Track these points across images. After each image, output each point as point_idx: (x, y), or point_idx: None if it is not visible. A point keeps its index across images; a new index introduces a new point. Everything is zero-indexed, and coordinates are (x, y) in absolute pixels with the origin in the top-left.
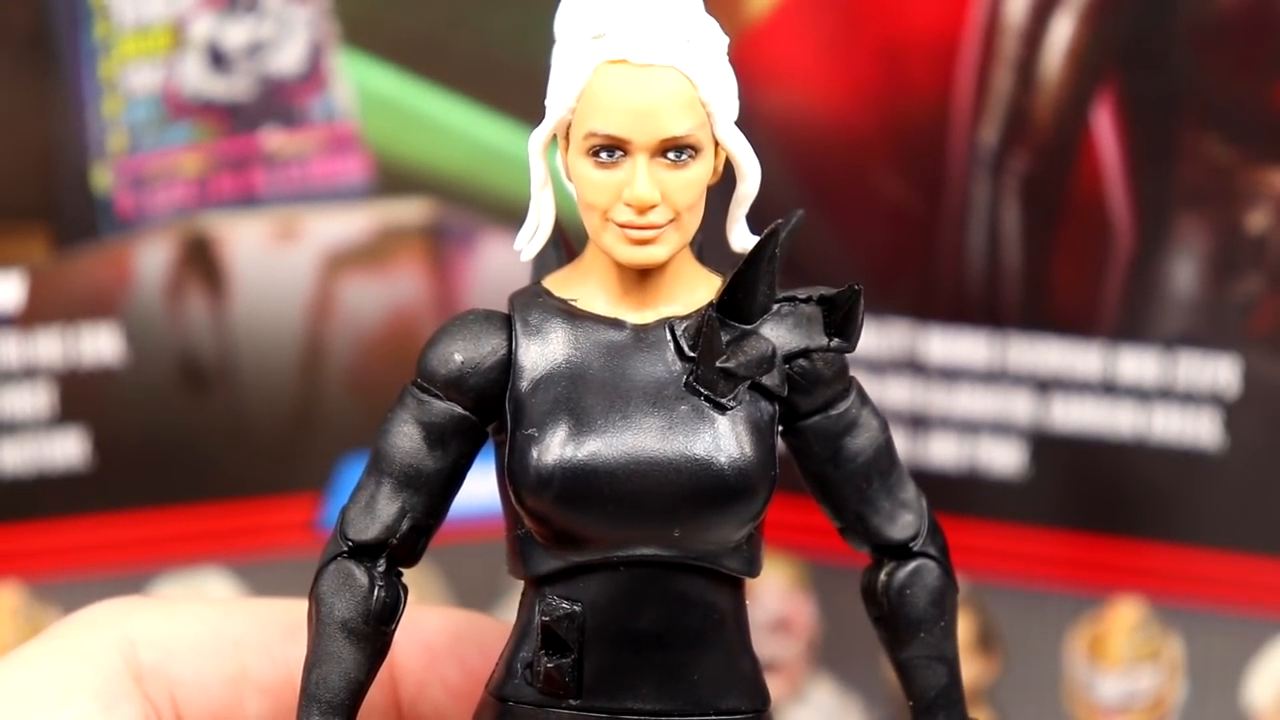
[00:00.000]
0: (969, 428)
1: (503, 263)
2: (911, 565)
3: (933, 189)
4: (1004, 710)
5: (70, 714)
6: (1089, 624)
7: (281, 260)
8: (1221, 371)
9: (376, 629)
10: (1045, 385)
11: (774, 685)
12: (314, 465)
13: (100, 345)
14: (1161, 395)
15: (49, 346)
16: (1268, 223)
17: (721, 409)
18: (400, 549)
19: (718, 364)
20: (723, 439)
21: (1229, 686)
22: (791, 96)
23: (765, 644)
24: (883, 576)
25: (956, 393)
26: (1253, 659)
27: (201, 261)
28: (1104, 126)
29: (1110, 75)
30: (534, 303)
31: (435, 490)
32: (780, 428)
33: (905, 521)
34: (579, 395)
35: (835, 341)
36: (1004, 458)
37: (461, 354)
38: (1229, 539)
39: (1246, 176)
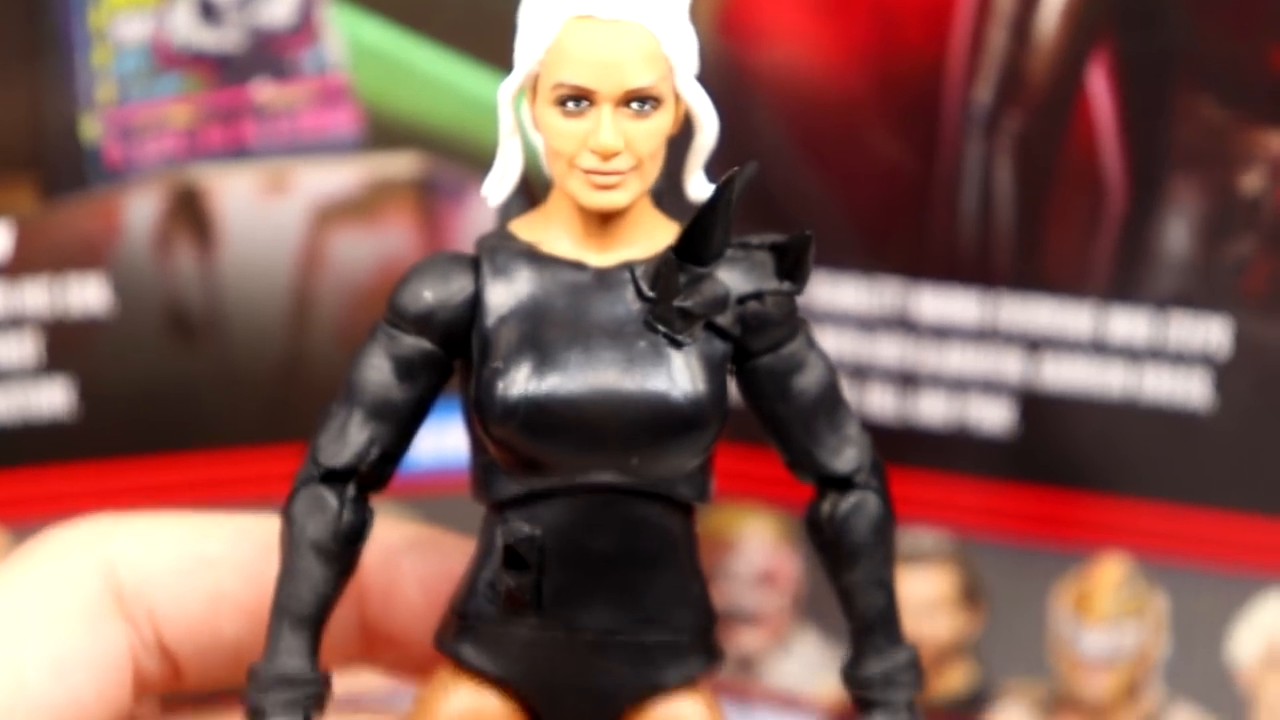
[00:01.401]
0: (959, 386)
1: (492, 216)
2: (854, 497)
3: (926, 147)
4: (989, 665)
5: (59, 637)
6: (1075, 580)
7: (271, 213)
8: (1213, 332)
9: (344, 548)
10: (1036, 344)
11: (758, 637)
12: (302, 416)
13: (88, 295)
14: (1152, 355)
15: (36, 296)
16: (1262, 184)
17: (677, 346)
18: (369, 475)
19: (675, 304)
20: (678, 374)
21: (1213, 643)
22: (785, 54)
23: (750, 597)
24: (826, 507)
25: (947, 351)
26: (1237, 616)
27: (190, 213)
28: (1099, 86)
29: (1106, 35)
30: (500, 245)
31: (403, 420)
32: (732, 366)
33: (848, 456)
34: (542, 332)
35: (786, 285)
36: (994, 416)
37: (431, 292)
38: (1217, 498)
39: (1241, 138)
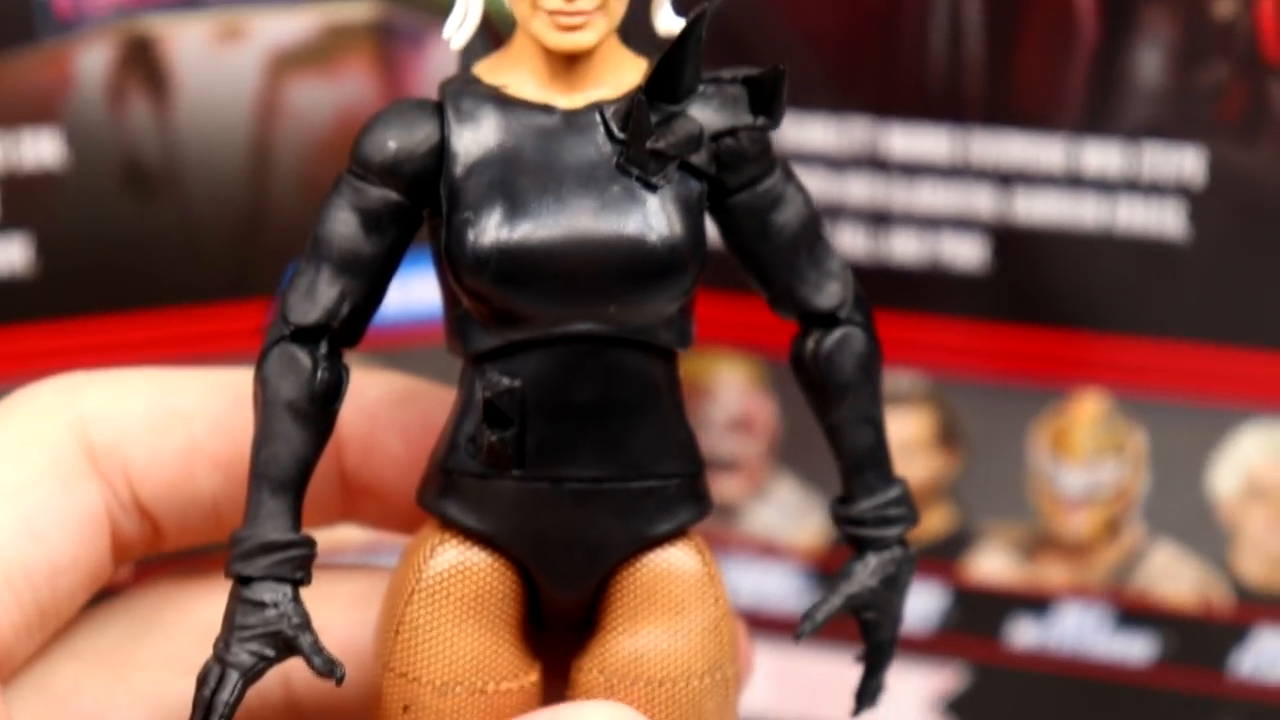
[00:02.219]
0: (931, 223)
1: (452, 62)
2: (839, 333)
3: None
4: (968, 505)
5: (31, 497)
6: (1052, 418)
7: (226, 61)
8: (1187, 161)
9: (321, 408)
10: (1008, 179)
11: (735, 484)
12: (265, 271)
13: (41, 149)
14: (1126, 187)
15: None
16: (1235, 9)
17: (652, 188)
18: (341, 331)
19: (647, 144)
20: (654, 217)
21: (1192, 477)
22: None
23: (725, 443)
24: (810, 344)
25: (918, 188)
26: (1216, 449)
27: (143, 63)
28: None
29: None
30: (465, 90)
31: (373, 274)
32: (709, 205)
33: (831, 291)
34: (512, 178)
35: (761, 120)
36: (966, 253)
37: (395, 141)
38: (1193, 330)
39: None
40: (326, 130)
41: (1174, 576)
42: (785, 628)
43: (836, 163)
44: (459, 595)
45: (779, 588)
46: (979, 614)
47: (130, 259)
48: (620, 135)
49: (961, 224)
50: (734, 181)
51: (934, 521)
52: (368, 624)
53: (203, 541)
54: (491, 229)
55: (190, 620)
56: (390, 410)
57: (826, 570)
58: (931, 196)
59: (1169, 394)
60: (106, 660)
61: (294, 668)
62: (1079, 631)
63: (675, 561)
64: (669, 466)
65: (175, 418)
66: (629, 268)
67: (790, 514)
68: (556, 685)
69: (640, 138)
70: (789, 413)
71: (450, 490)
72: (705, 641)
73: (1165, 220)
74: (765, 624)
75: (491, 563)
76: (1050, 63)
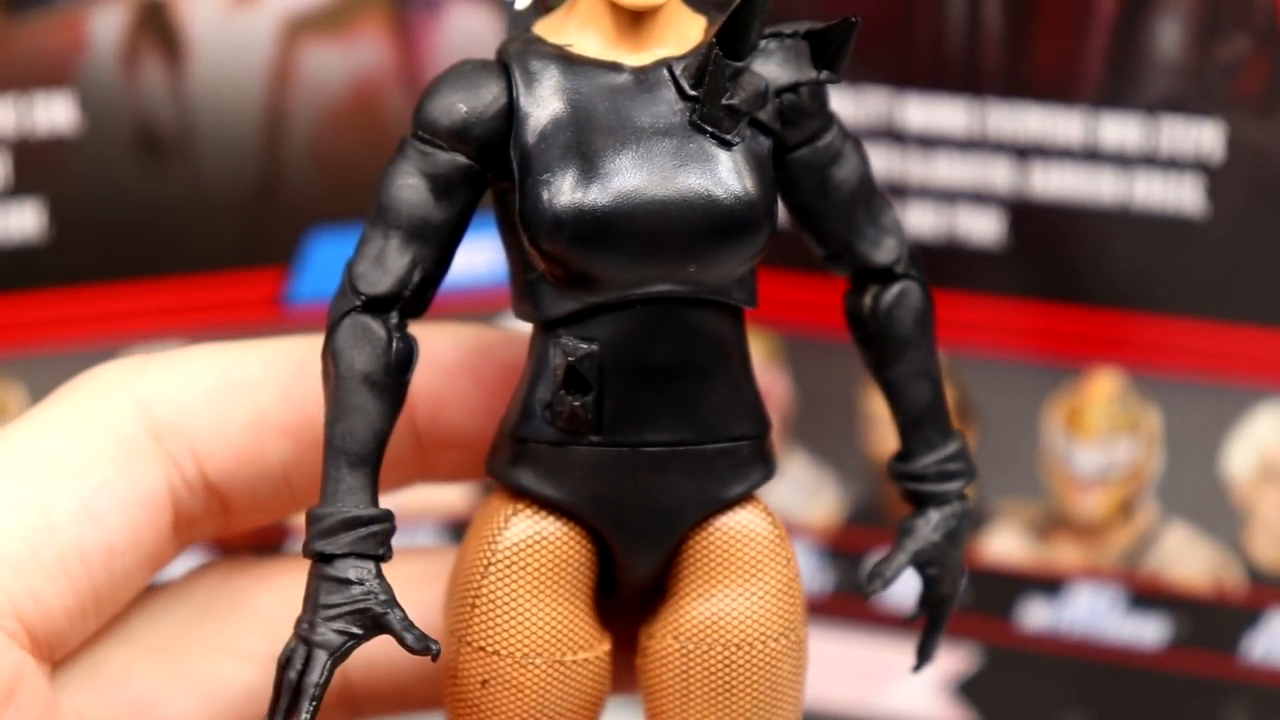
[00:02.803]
0: (947, 197)
1: (470, 28)
2: (897, 287)
3: None
4: (981, 484)
5: (90, 478)
6: (1067, 395)
7: (239, 26)
8: (1205, 136)
9: (396, 379)
10: (1025, 153)
11: None
12: (279, 239)
13: (54, 113)
14: (1144, 161)
15: (1, 114)
16: None
17: (727, 145)
18: (411, 301)
19: (723, 101)
20: (730, 175)
21: (1206, 456)
22: None
23: None
24: (868, 300)
25: (934, 161)
26: (1230, 428)
27: (157, 27)
28: None
29: None
30: (529, 50)
31: (443, 241)
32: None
33: (889, 246)
34: (587, 139)
35: (825, 74)
36: (983, 227)
37: (465, 104)
38: (1210, 308)
39: None
40: (340, 96)
41: (1187, 558)
42: None
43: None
44: (536, 566)
45: None
46: (991, 595)
47: (142, 225)
48: (692, 92)
49: (978, 198)
50: (795, 138)
51: None
52: (426, 604)
53: (275, 513)
54: (567, 190)
55: (246, 606)
56: (460, 359)
57: (839, 548)
58: (948, 170)
59: (1184, 373)
60: (160, 646)
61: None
62: (1091, 613)
63: (747, 524)
64: (740, 428)
65: (239, 389)
66: (708, 226)
67: (803, 491)
68: (622, 655)
69: (716, 94)
70: (803, 388)
71: (523, 459)
72: (780, 603)
73: (1183, 196)
74: None
75: (567, 531)
76: (1068, 35)
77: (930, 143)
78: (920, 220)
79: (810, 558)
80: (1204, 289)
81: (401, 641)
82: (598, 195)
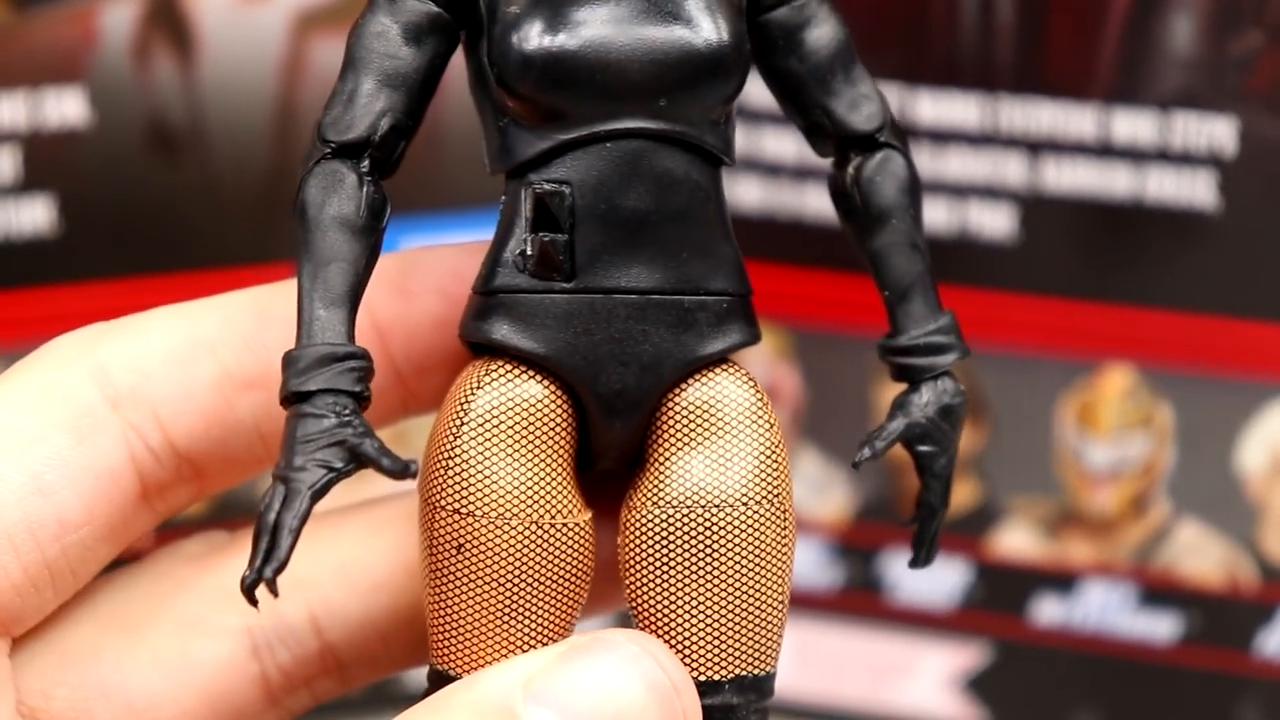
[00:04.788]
0: (959, 192)
1: None
2: (878, 155)
3: None
4: (993, 480)
5: (41, 451)
6: (1079, 391)
7: (251, 20)
8: (1219, 131)
9: (370, 223)
10: (1038, 148)
11: None
12: (291, 235)
13: (65, 108)
14: (1157, 156)
15: (12, 109)
16: None
17: None
18: (380, 149)
19: None
20: (701, 15)
21: (1219, 453)
22: None
23: None
24: (850, 170)
25: (947, 156)
26: (1243, 424)
27: (168, 21)
28: None
29: None
30: None
31: (413, 89)
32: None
33: (869, 112)
34: None
35: None
36: (995, 222)
37: None
38: (1223, 304)
39: None
40: None
41: (1199, 554)
42: (807, 603)
43: None
44: (511, 426)
45: (801, 561)
46: (1002, 591)
47: (154, 220)
48: None
49: (990, 193)
50: None
51: (959, 496)
52: (398, 546)
53: (250, 473)
54: (535, 35)
55: (217, 583)
56: (419, 279)
57: (850, 544)
58: (960, 165)
59: (1197, 368)
60: (129, 623)
61: (323, 614)
62: (1103, 609)
63: (726, 387)
64: (720, 283)
65: (200, 350)
66: (679, 61)
67: (813, 487)
68: (603, 533)
69: None
70: (813, 384)
71: (495, 311)
72: (761, 466)
73: (1196, 191)
74: None
75: (544, 392)
76: (1081, 30)
77: (943, 138)
78: (933, 216)
79: (821, 554)
80: (1217, 284)
81: (379, 466)
82: (565, 38)
